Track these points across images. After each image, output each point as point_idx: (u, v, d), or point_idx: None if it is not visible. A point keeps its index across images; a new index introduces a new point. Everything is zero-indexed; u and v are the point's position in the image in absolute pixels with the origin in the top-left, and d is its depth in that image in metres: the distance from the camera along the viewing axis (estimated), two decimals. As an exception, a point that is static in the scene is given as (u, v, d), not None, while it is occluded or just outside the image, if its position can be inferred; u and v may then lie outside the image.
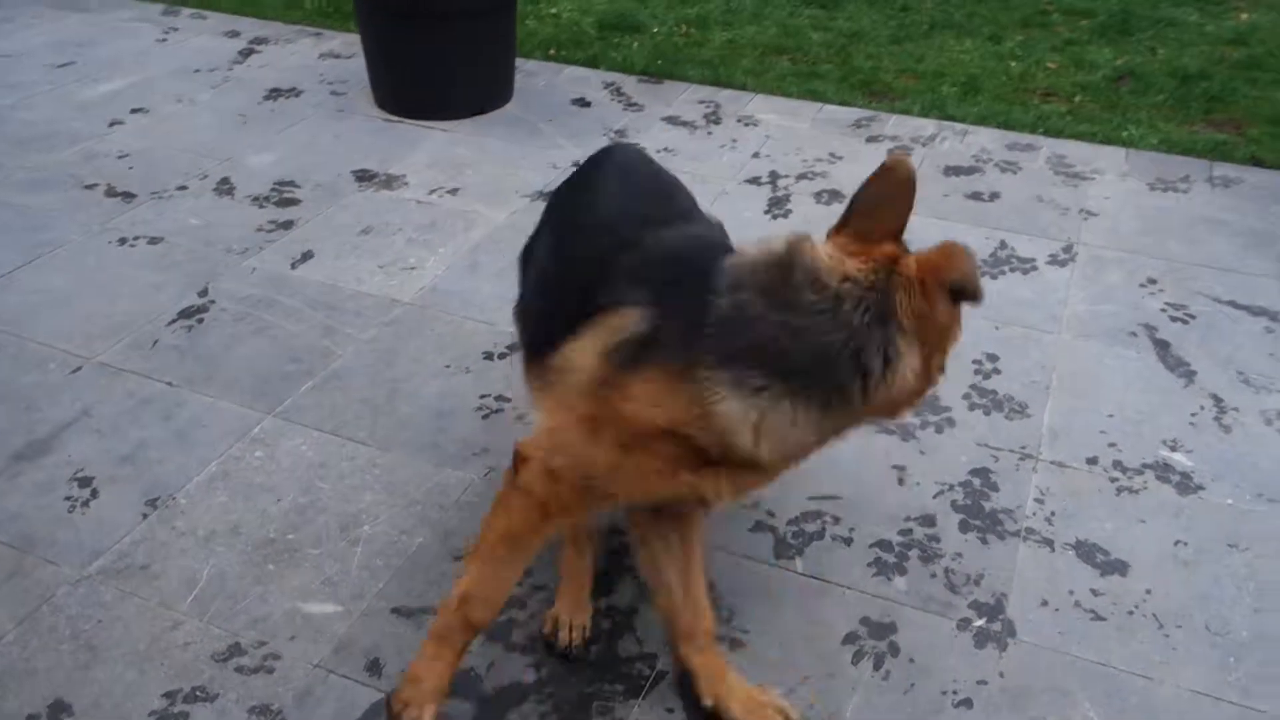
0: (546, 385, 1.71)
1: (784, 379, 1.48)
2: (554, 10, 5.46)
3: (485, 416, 2.66)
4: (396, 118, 4.28)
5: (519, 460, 1.69)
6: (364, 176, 3.83)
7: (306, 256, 3.33)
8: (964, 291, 1.49)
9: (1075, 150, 4.02)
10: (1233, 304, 3.10)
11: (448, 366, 2.84)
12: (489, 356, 2.88)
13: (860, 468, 2.49)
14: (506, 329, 2.97)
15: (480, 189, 3.75)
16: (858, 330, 1.47)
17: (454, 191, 3.73)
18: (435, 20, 4.07)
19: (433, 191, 3.73)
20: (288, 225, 3.49)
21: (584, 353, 1.62)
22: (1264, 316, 3.05)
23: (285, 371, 2.79)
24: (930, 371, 1.56)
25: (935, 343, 1.54)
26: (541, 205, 3.42)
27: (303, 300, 3.10)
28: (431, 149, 4.03)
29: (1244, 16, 5.27)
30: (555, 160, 3.94)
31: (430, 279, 3.23)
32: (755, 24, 5.29)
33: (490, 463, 2.50)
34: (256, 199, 3.65)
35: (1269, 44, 4.90)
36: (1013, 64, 4.77)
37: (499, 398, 2.72)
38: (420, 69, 4.20)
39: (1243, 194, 3.71)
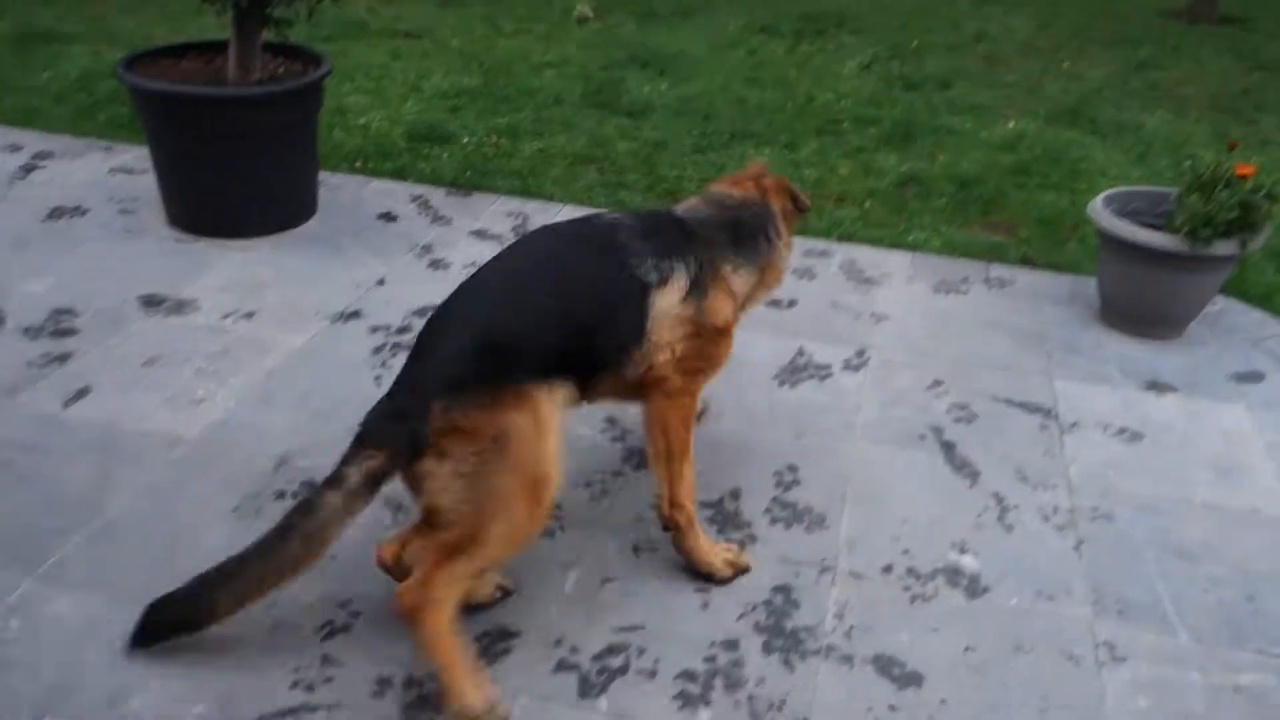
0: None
1: (742, 256, 2.54)
2: (362, 121, 5.42)
3: (275, 562, 2.52)
4: (191, 237, 4.11)
5: (671, 385, 2.38)
6: (152, 302, 3.64)
7: (82, 393, 3.12)
8: (796, 197, 2.75)
9: (866, 255, 4.24)
10: (1009, 402, 3.29)
11: (236, 510, 2.69)
12: (281, 496, 2.75)
13: (664, 593, 2.48)
14: (302, 464, 2.86)
15: (278, 312, 3.63)
16: (760, 220, 2.62)
17: (249, 316, 3.59)
18: (229, 140, 3.97)
19: (226, 316, 3.58)
20: (63, 359, 3.27)
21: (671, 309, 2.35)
22: (1038, 414, 3.24)
23: (50, 526, 2.58)
24: (790, 244, 2.76)
25: (790, 227, 2.75)
26: (343, 328, 3.32)
27: (75, 443, 2.89)
28: (227, 270, 3.89)
29: (1011, 124, 5.73)
30: (359, 278, 3.86)
31: (220, 412, 3.07)
32: (565, 133, 5.39)
33: (280, 615, 2.36)
34: (29, 330, 3.42)
35: (1034, 150, 5.33)
36: (808, 171, 5.01)
37: (291, 540, 2.59)
38: (215, 186, 4.07)
39: (1016, 294, 3.97)
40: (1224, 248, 3.38)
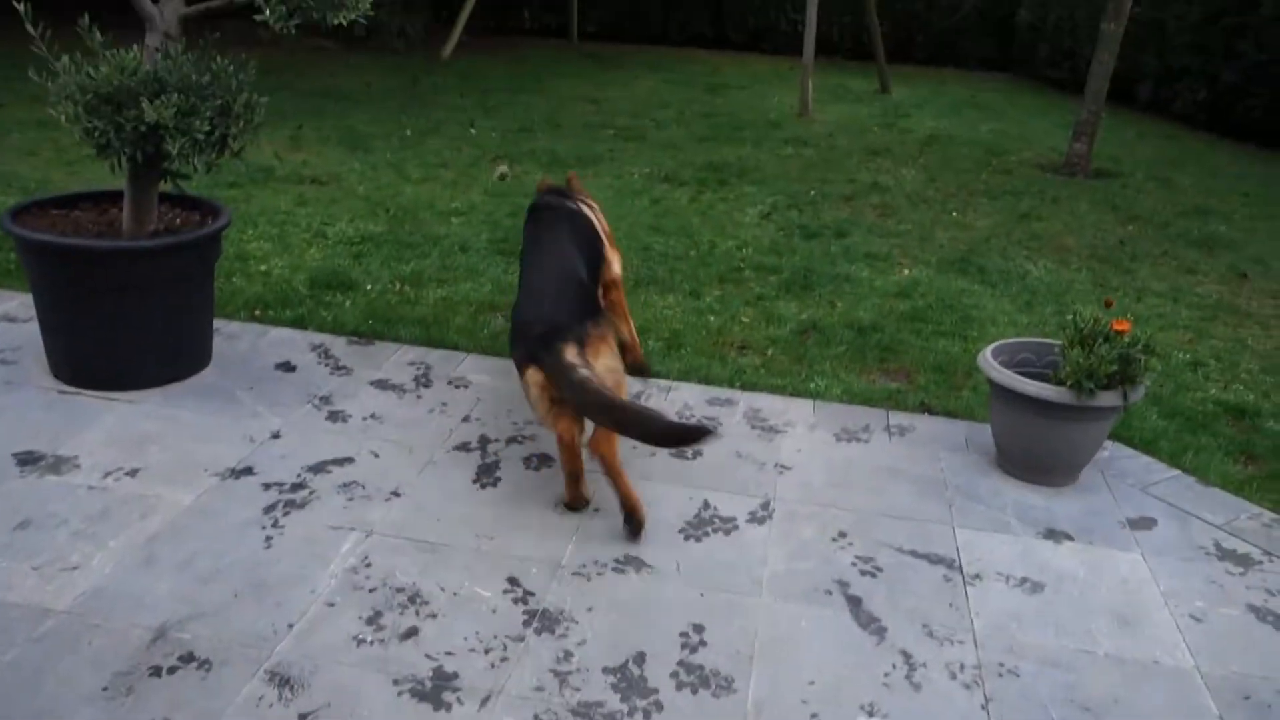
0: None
1: None
2: (264, 268, 5.36)
3: (145, 749, 2.34)
4: (74, 389, 3.95)
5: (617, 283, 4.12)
6: (28, 460, 3.46)
7: (-57, 562, 2.91)
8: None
9: (769, 403, 4.28)
10: (913, 553, 3.30)
11: (105, 690, 2.50)
12: (157, 672, 2.57)
13: (566, 770, 2.36)
14: (182, 635, 2.69)
15: (164, 468, 3.48)
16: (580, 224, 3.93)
17: (133, 473, 3.43)
18: (120, 291, 3.87)
19: (108, 474, 3.42)
20: (-76, 524, 3.07)
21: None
22: (941, 564, 3.25)
23: (-108, 716, 2.36)
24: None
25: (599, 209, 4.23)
26: (233, 485, 3.18)
27: (-70, 619, 2.68)
28: (112, 424, 3.73)
29: (906, 272, 5.96)
30: (252, 432, 3.74)
31: (94, 580, 2.89)
32: (470, 280, 5.41)
33: None
34: (-112, 493, 3.21)
35: (928, 297, 5.53)
36: (711, 318, 5.10)
37: (164, 723, 2.41)
38: (104, 337, 3.94)
39: (915, 441, 4.04)
40: (1108, 399, 3.51)
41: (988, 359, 3.77)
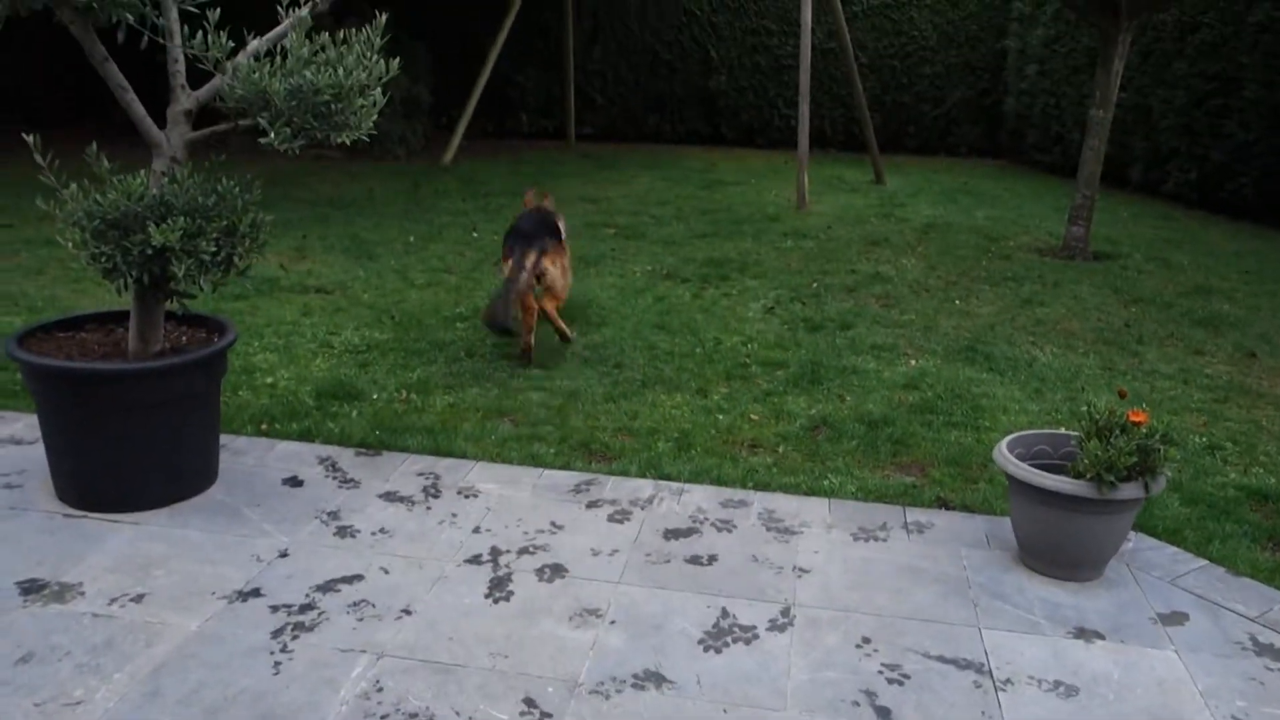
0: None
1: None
2: (270, 380, 5.35)
3: None
4: (79, 513, 3.90)
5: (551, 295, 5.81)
6: (30, 589, 3.39)
7: (-58, 702, 2.83)
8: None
9: (783, 503, 4.22)
10: (941, 658, 3.20)
11: (108, 835, 2.40)
12: (162, 815, 2.47)
13: None
14: (186, 774, 2.59)
15: (170, 592, 3.41)
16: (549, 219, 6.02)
17: (139, 599, 3.36)
18: (125, 412, 3.85)
19: (113, 601, 3.35)
20: (-77, 661, 2.99)
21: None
22: (970, 670, 3.15)
23: None
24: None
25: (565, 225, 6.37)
26: (241, 608, 3.14)
27: (-73, 765, 2.58)
28: (116, 547, 3.67)
29: (913, 362, 5.94)
30: (259, 551, 3.68)
31: (98, 716, 2.80)
32: (477, 385, 5.39)
33: None
34: (-112, 629, 3.13)
35: (936, 388, 5.50)
36: (720, 417, 5.07)
37: None
38: (109, 459, 3.90)
39: (935, 539, 3.97)
40: (1129, 491, 3.45)
41: (1004, 453, 3.72)
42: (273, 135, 3.66)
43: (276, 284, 7.19)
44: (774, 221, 10.07)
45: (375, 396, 5.19)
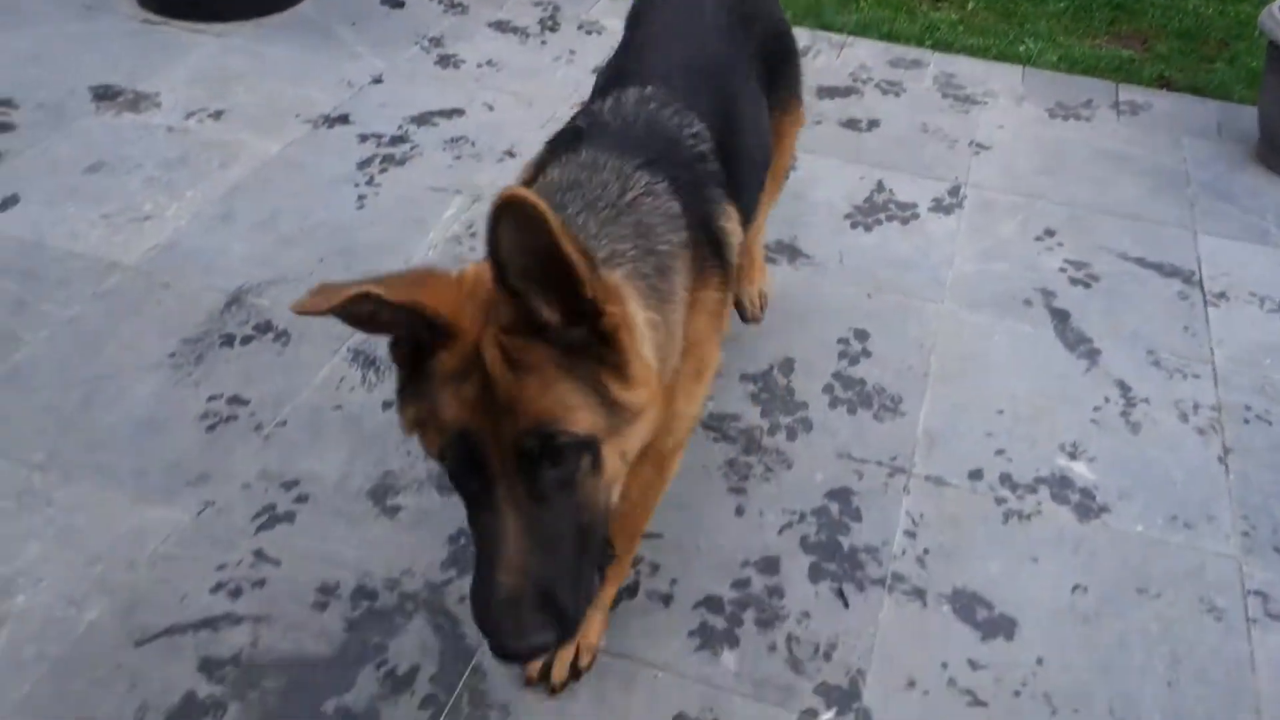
0: None
1: None
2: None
3: (210, 428, 2.04)
4: (161, 19, 3.48)
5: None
6: (105, 95, 3.06)
7: (9, 203, 2.60)
8: None
9: (966, 68, 3.48)
10: (1140, 261, 2.63)
11: (172, 355, 2.19)
12: (229, 341, 2.24)
13: (690, 493, 1.95)
14: (259, 301, 2.34)
15: (250, 112, 3.03)
16: None
17: (217, 115, 3.00)
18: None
19: (191, 115, 3.00)
20: (-10, 160, 2.74)
21: None
22: (1176, 278, 2.58)
23: (-62, 371, 2.11)
24: None
25: None
26: (326, 134, 2.67)
27: (-12, 265, 2.39)
28: (198, 59, 3.27)
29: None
30: (350, 75, 3.23)
31: (167, 233, 2.54)
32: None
33: (208, 495, 1.89)
34: (-46, 124, 2.88)
35: (1179, -55, 4.40)
36: (900, -38, 4.17)
37: (233, 399, 2.10)
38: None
39: (1151, 123, 3.23)
40: None
41: (1275, 16, 2.86)
42: None
43: None
44: None
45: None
